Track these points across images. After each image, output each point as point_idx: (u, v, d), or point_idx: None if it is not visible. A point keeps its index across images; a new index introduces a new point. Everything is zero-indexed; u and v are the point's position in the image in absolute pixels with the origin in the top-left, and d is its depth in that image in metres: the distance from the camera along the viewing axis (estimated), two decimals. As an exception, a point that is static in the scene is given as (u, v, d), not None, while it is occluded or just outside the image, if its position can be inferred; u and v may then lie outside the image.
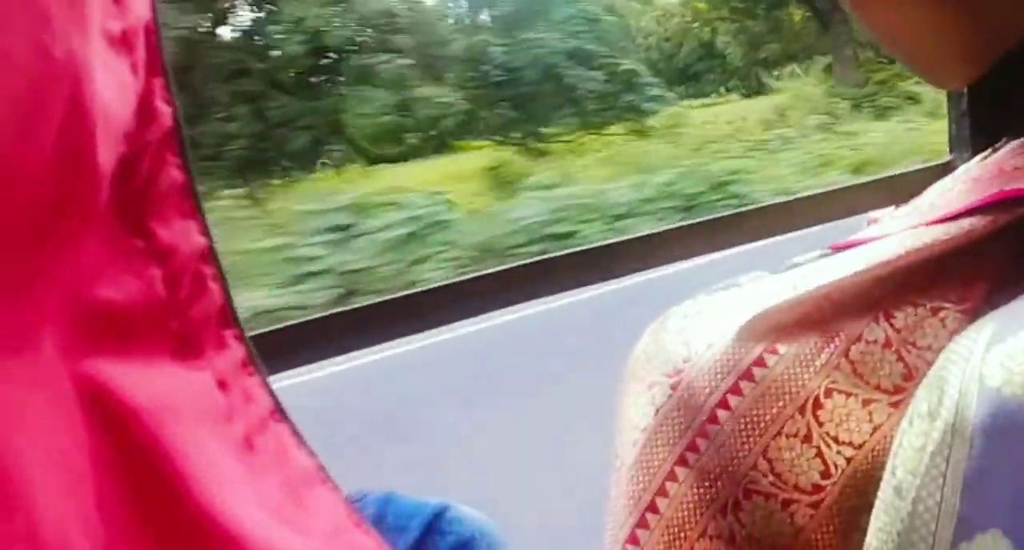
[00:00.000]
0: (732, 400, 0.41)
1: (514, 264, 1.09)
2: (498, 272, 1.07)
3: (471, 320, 1.07)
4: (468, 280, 1.05)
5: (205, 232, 0.28)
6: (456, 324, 1.05)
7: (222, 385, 0.28)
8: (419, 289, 1.04)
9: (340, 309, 0.99)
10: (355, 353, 1.02)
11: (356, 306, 1.00)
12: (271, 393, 0.30)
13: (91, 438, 0.23)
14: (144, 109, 0.26)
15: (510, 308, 1.09)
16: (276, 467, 0.30)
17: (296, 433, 0.31)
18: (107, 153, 0.23)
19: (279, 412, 0.30)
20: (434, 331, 1.07)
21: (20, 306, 0.21)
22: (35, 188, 0.21)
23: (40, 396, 0.22)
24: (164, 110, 0.27)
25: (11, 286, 0.21)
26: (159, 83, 0.26)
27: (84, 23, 0.22)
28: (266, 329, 0.91)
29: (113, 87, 0.23)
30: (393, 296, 1.02)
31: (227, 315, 0.29)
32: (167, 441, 0.25)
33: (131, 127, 0.25)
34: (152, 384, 0.25)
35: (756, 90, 13.14)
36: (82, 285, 0.24)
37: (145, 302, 0.26)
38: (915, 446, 0.33)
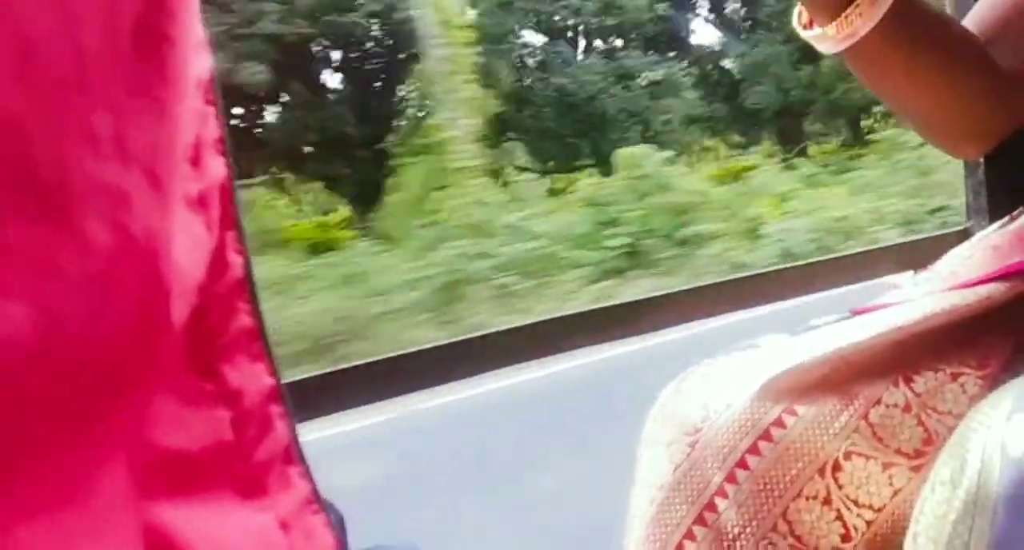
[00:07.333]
0: (751, 460, 0.41)
1: (525, 322, 1.09)
2: (510, 330, 1.07)
3: (482, 378, 1.06)
4: (475, 338, 1.05)
5: (273, 373, 0.28)
6: (466, 382, 1.05)
7: (284, 526, 0.28)
8: (418, 348, 1.04)
9: (341, 366, 0.99)
10: (367, 411, 1.01)
11: (356, 363, 1.00)
12: (332, 531, 0.30)
13: None
14: (217, 261, 0.26)
15: (525, 366, 1.08)
16: None
17: None
18: (181, 311, 0.24)
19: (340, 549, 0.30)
20: (447, 391, 1.07)
21: (86, 457, 0.21)
22: (110, 353, 0.21)
23: (102, 545, 0.22)
24: (236, 260, 0.27)
25: (79, 439, 0.21)
26: (231, 236, 0.27)
27: (165, 198, 0.23)
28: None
29: (188, 247, 0.24)
30: (392, 354, 1.02)
31: (292, 452, 0.29)
32: None
33: (204, 280, 0.25)
34: (216, 530, 0.25)
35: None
36: (152, 431, 0.24)
37: (213, 445, 0.26)
38: (937, 514, 0.33)
